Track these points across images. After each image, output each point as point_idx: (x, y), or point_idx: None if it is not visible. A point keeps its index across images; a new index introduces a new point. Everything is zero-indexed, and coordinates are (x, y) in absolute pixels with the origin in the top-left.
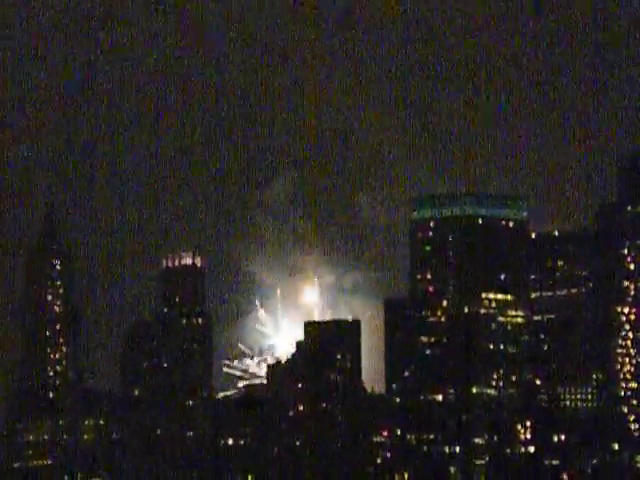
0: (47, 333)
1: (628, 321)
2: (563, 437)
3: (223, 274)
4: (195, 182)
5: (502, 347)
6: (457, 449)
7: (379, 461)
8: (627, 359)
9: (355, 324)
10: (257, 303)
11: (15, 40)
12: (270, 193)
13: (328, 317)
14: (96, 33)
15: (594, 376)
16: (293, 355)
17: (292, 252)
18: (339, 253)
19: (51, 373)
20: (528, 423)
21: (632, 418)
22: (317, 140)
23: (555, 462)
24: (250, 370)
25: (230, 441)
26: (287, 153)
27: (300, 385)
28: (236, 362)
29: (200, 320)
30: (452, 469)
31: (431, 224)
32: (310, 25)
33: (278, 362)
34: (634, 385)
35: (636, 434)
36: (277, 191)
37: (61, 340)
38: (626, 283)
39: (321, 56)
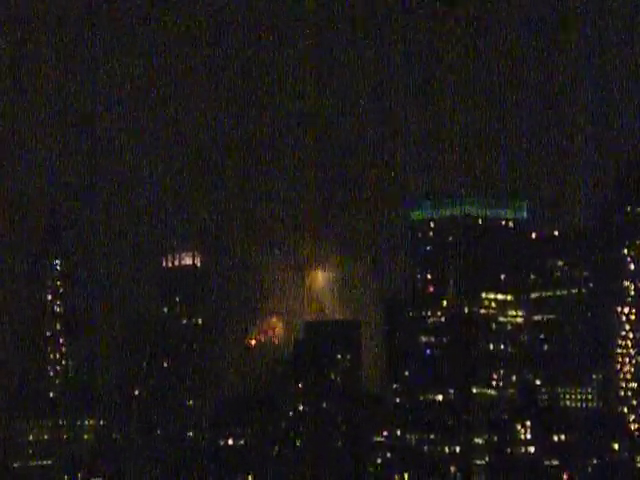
0: (47, 333)
1: (628, 321)
2: (563, 437)
3: (227, 270)
4: (195, 175)
5: (502, 347)
6: (457, 449)
7: (379, 461)
8: (627, 359)
9: (355, 324)
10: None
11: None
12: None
13: (332, 315)
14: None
15: (594, 376)
16: (293, 355)
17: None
18: (343, 249)
19: (51, 373)
20: (528, 423)
21: (632, 418)
22: (319, 139)
23: (555, 462)
24: None
25: (230, 441)
26: (289, 153)
27: (300, 385)
28: None
29: (200, 320)
30: (452, 469)
31: (431, 224)
32: (315, 26)
33: (278, 361)
34: (634, 385)
35: (636, 434)
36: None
37: (61, 340)
38: (626, 283)
39: (320, 53)
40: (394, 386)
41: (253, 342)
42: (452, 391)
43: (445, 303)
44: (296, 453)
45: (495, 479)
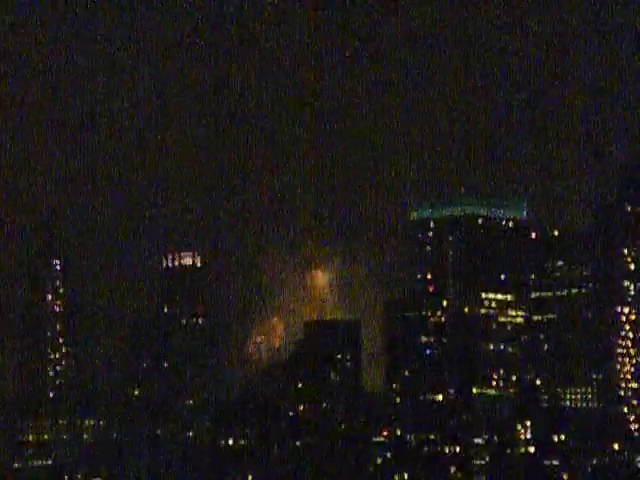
0: (47, 333)
1: (628, 321)
2: (563, 437)
3: (227, 270)
4: (196, 172)
5: (502, 347)
6: (457, 449)
7: (379, 461)
8: (627, 359)
9: (355, 324)
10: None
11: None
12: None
13: (332, 315)
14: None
15: (594, 376)
16: (293, 355)
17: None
18: (343, 249)
19: (51, 373)
20: (528, 423)
21: (632, 418)
22: (320, 138)
23: (555, 462)
24: None
25: (230, 441)
26: (290, 153)
27: (300, 385)
28: None
29: (200, 320)
30: (452, 469)
31: (431, 224)
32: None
33: (278, 361)
34: (634, 385)
35: (636, 434)
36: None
37: (61, 340)
38: (626, 283)
39: (320, 51)
40: (394, 386)
41: (253, 342)
42: (452, 391)
43: (445, 303)
44: (296, 453)
45: (495, 479)
